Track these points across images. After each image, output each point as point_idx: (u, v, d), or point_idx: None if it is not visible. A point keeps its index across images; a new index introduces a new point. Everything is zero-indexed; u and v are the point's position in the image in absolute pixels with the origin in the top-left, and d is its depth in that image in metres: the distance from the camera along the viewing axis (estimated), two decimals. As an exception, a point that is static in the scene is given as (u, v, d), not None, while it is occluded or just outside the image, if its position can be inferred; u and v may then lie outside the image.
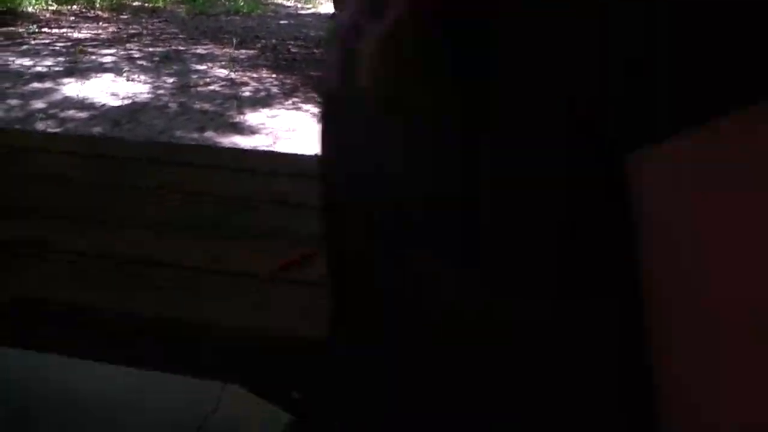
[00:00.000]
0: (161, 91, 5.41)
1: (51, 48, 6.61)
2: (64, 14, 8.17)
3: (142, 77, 5.70)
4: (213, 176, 1.67)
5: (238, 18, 8.60)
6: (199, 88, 5.52)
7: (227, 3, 9.27)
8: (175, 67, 6.10)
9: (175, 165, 1.74)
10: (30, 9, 8.11)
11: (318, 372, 0.59)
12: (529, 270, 0.45)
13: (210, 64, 6.23)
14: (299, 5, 9.93)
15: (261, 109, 5.02)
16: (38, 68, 5.93)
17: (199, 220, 1.43)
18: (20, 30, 7.25)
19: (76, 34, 7.23)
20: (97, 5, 8.60)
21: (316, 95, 5.16)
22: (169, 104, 5.10)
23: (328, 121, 0.57)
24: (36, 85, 5.49)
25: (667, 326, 0.39)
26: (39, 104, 5.07)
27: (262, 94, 5.44)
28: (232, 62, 6.29)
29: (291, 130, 4.58)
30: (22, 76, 5.68)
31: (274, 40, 7.26)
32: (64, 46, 6.66)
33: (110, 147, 2.02)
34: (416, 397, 0.52)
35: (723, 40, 0.35)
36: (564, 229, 0.43)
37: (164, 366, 1.22)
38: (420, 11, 0.44)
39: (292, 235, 1.35)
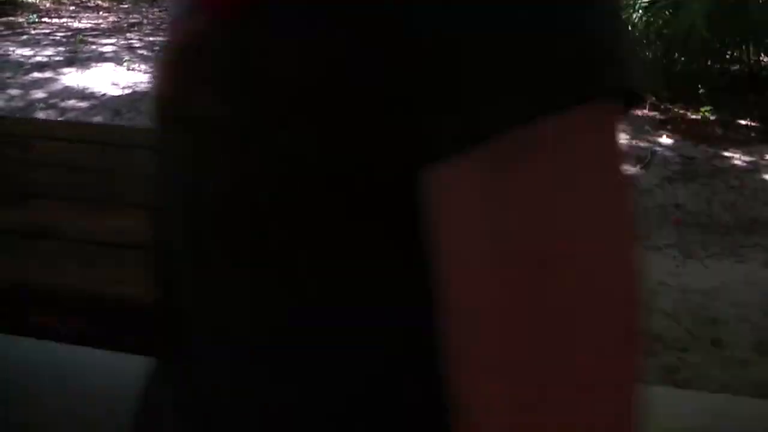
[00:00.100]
0: (162, 81, 5.40)
1: (51, 38, 6.59)
2: (64, 4, 8.15)
3: (143, 67, 5.68)
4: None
5: (238, 7, 8.58)
6: (200, 78, 5.51)
7: (227, -8, 9.24)
8: (175, 57, 6.09)
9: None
10: (30, -1, 8.11)
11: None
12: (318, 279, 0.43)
13: (211, 54, 6.22)
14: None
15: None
16: (38, 58, 5.92)
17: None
18: (20, 20, 7.23)
19: (76, 24, 7.22)
20: (97, -5, 8.59)
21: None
22: (170, 94, 5.10)
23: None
24: (36, 74, 5.48)
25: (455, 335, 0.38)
26: (39, 94, 5.07)
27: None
28: (233, 52, 6.28)
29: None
30: (22, 66, 5.67)
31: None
32: (64, 36, 6.65)
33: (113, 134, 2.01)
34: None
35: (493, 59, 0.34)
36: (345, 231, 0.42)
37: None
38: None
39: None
